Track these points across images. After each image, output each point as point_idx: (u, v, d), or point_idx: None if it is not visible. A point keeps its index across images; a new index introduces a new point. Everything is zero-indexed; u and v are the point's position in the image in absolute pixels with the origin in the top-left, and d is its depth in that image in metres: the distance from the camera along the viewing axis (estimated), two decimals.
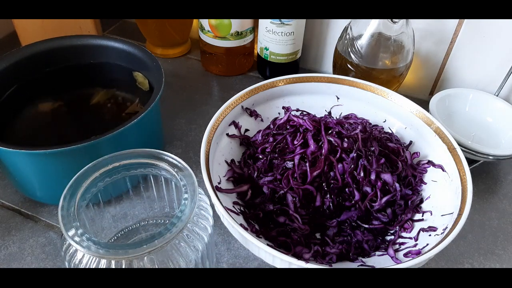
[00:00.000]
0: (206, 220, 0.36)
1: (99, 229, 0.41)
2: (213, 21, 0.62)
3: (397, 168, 0.44)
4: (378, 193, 0.41)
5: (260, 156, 0.45)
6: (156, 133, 0.53)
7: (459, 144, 0.44)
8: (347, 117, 0.50)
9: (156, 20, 0.67)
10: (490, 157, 0.50)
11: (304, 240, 0.39)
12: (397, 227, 0.41)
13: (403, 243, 0.40)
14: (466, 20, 0.58)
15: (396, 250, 0.39)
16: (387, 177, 0.42)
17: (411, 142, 0.48)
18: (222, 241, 0.45)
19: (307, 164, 0.42)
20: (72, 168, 0.34)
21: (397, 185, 0.42)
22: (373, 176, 0.41)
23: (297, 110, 0.52)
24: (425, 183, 0.45)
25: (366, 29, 0.54)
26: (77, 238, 0.30)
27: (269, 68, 0.67)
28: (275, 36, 0.61)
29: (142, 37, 0.73)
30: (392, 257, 0.38)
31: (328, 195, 0.41)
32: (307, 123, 0.45)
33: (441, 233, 0.37)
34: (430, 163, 0.45)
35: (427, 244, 0.37)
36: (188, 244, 0.33)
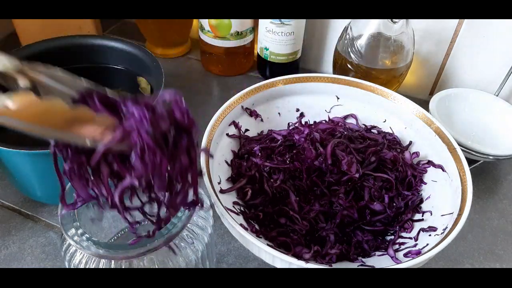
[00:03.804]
0: (206, 220, 0.36)
1: (99, 229, 0.41)
2: (213, 21, 0.62)
3: (392, 183, 0.43)
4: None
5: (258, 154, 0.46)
6: None
7: (459, 144, 0.44)
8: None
9: (156, 20, 0.67)
10: (490, 157, 0.50)
11: (304, 238, 0.39)
12: (397, 227, 0.41)
13: (403, 243, 0.40)
14: (466, 20, 0.58)
15: (396, 250, 0.39)
16: (377, 206, 0.42)
17: (411, 142, 0.48)
18: (222, 241, 0.45)
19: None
20: None
21: (388, 211, 0.41)
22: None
23: (297, 110, 0.52)
24: (425, 183, 0.45)
25: (366, 29, 0.54)
26: (77, 238, 0.30)
27: (269, 68, 0.67)
28: (275, 36, 0.61)
29: (142, 37, 0.73)
30: (392, 257, 0.38)
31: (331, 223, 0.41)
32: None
33: (441, 233, 0.37)
34: (430, 163, 0.45)
35: (427, 244, 0.37)
36: (188, 244, 0.33)
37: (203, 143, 0.42)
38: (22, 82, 0.23)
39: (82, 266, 0.31)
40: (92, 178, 0.27)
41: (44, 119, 0.23)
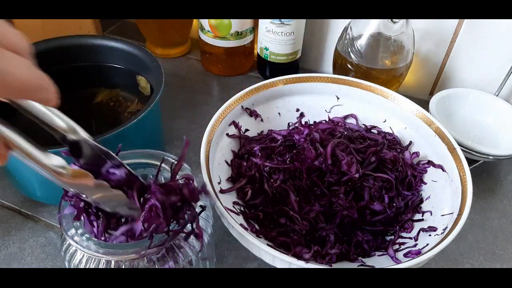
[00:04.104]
0: (206, 220, 0.36)
1: None
2: (213, 21, 0.62)
3: (391, 183, 0.43)
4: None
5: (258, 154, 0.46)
6: (156, 133, 0.53)
7: (459, 144, 0.44)
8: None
9: (156, 20, 0.67)
10: (490, 157, 0.50)
11: (304, 238, 0.39)
12: (397, 227, 0.41)
13: (403, 243, 0.40)
14: (466, 20, 0.58)
15: (396, 250, 0.39)
16: (377, 206, 0.42)
17: (411, 142, 0.48)
18: (222, 241, 0.45)
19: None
20: None
21: (388, 211, 0.41)
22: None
23: (297, 110, 0.52)
24: (425, 183, 0.45)
25: (366, 29, 0.54)
26: (77, 238, 0.30)
27: (269, 68, 0.67)
28: (275, 36, 0.61)
29: (142, 37, 0.73)
30: (392, 257, 0.38)
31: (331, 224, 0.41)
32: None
33: (441, 233, 0.37)
34: (430, 163, 0.45)
35: (427, 244, 0.37)
36: (188, 244, 0.33)
37: (203, 143, 0.42)
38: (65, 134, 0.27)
39: (82, 266, 0.31)
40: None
41: (84, 190, 0.27)
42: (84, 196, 0.28)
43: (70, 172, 0.25)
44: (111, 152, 0.29)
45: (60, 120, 0.27)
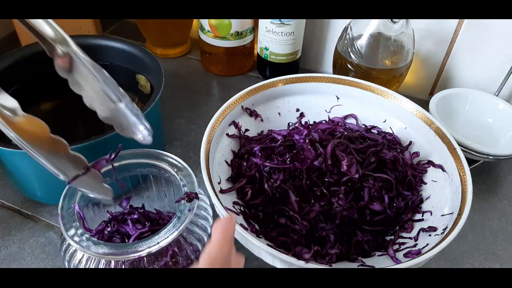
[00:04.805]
0: (206, 220, 0.36)
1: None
2: (213, 21, 0.62)
3: (391, 184, 0.43)
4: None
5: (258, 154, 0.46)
6: (156, 133, 0.52)
7: (459, 144, 0.44)
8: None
9: (156, 20, 0.67)
10: (490, 157, 0.50)
11: (304, 238, 0.39)
12: (397, 227, 0.41)
13: (403, 243, 0.40)
14: (466, 20, 0.58)
15: (396, 250, 0.39)
16: (377, 207, 0.41)
17: (411, 142, 0.48)
18: None
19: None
20: None
21: (388, 211, 0.41)
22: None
23: (297, 110, 0.52)
24: (425, 183, 0.45)
25: (366, 29, 0.54)
26: (77, 238, 0.30)
27: (269, 68, 0.67)
28: (275, 36, 0.61)
29: (142, 37, 0.73)
30: (392, 257, 0.38)
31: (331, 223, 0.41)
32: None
33: (441, 233, 0.37)
34: (430, 163, 0.45)
35: (427, 244, 0.37)
36: (188, 244, 0.33)
37: (203, 143, 0.42)
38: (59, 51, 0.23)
39: (82, 266, 0.31)
40: None
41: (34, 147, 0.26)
42: (33, 153, 0.23)
43: (22, 118, 0.20)
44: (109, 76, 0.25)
45: (49, 28, 0.21)
